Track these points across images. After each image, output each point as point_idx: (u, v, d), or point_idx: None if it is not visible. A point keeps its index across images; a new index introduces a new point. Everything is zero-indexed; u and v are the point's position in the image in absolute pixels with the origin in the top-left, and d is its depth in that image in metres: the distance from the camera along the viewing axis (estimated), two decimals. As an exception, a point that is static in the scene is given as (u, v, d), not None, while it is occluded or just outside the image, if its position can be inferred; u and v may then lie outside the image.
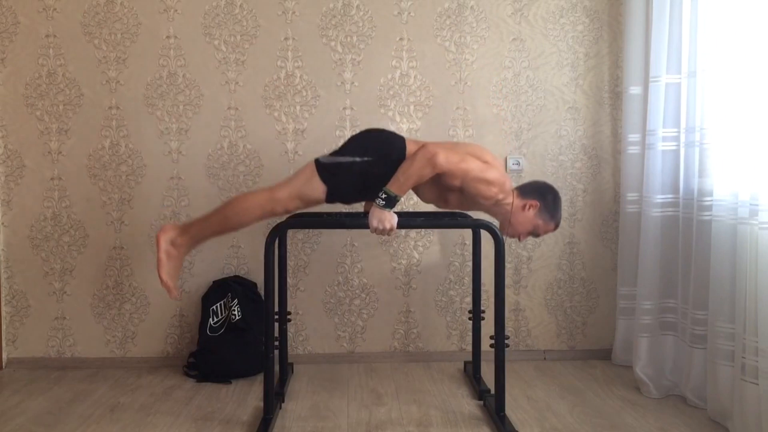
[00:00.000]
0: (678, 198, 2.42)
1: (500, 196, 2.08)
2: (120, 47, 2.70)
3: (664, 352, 2.47)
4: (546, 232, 2.17)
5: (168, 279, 2.08)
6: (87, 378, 2.59)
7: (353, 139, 2.16)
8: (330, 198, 2.10)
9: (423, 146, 2.02)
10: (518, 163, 2.80)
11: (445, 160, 1.98)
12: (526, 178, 2.80)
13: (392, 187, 1.99)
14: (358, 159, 2.07)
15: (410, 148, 2.11)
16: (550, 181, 2.81)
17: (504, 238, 2.07)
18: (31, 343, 2.75)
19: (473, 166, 2.02)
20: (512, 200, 2.12)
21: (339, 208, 2.74)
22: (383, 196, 1.98)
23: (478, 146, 2.20)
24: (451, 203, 2.17)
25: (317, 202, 2.12)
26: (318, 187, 2.07)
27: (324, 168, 2.07)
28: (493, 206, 2.12)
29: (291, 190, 2.08)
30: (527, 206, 2.11)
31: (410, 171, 1.99)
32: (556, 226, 2.18)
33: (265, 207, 2.08)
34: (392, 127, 2.76)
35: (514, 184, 2.80)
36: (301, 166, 2.71)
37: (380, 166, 2.06)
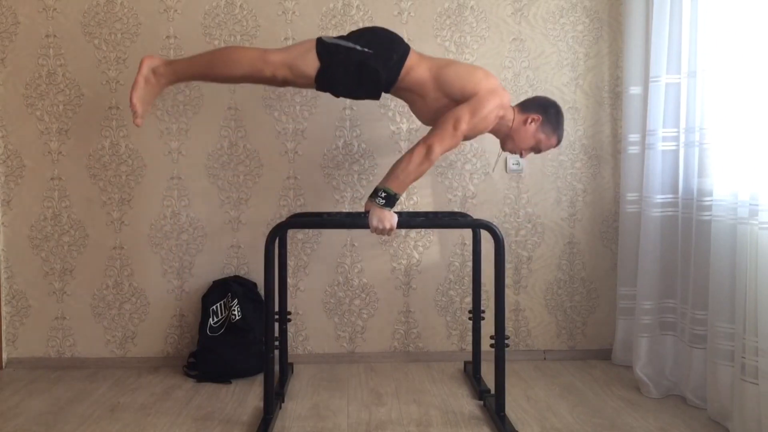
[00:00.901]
0: (678, 198, 2.42)
1: (501, 113, 2.08)
2: (120, 47, 2.70)
3: (664, 352, 2.47)
4: (548, 147, 2.16)
5: (138, 103, 2.04)
6: (87, 378, 2.59)
7: (362, 30, 2.16)
8: (320, 78, 2.06)
9: (419, 143, 2.02)
10: (518, 163, 2.80)
11: (440, 147, 2.00)
12: (527, 178, 2.81)
13: (392, 185, 1.99)
14: (359, 47, 2.05)
15: (412, 58, 2.10)
16: (550, 180, 2.81)
17: (504, 237, 2.07)
18: (31, 343, 2.75)
19: (467, 121, 2.02)
20: (513, 116, 2.11)
21: (340, 203, 2.75)
22: (383, 195, 1.98)
23: (473, 69, 2.17)
24: None
25: (306, 79, 2.07)
26: (311, 63, 2.04)
27: (324, 46, 2.05)
28: (495, 125, 2.13)
29: (285, 57, 2.05)
30: (529, 120, 2.11)
31: (409, 169, 1.99)
32: (559, 141, 2.17)
33: (254, 64, 2.04)
34: (392, 128, 2.76)
35: (515, 184, 2.82)
36: (304, 164, 2.72)
37: (378, 61, 2.04)
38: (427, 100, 2.14)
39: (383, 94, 2.18)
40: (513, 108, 2.14)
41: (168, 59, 2.15)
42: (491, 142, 2.80)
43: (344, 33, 2.72)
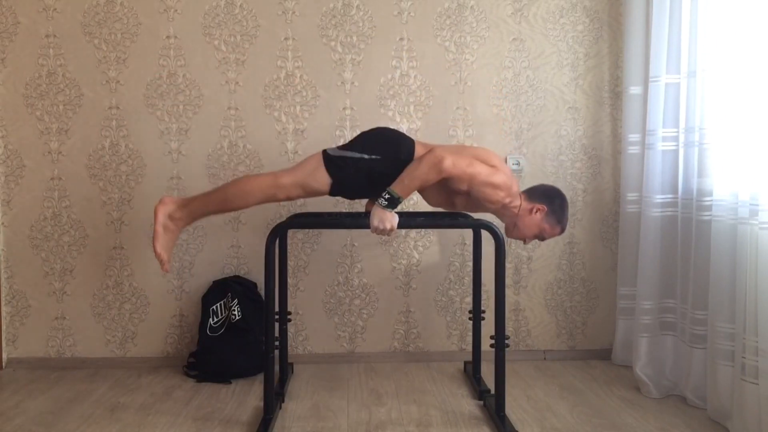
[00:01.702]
0: (678, 198, 2.42)
1: (507, 200, 2.08)
2: (120, 47, 2.70)
3: (664, 352, 2.47)
4: (552, 236, 2.18)
5: (162, 252, 2.08)
6: (87, 378, 2.59)
7: (364, 135, 2.16)
8: (333, 191, 2.10)
9: (431, 150, 2.02)
10: (518, 163, 2.81)
11: (451, 164, 1.98)
12: (527, 178, 2.81)
13: (396, 188, 1.99)
14: (366, 156, 2.07)
15: (419, 150, 2.12)
16: (550, 181, 2.81)
17: (504, 237, 2.07)
18: (31, 343, 2.75)
19: (480, 170, 2.02)
20: (519, 203, 2.12)
21: (340, 203, 2.75)
22: (386, 196, 1.98)
23: (485, 149, 2.19)
24: (458, 207, 2.17)
25: (320, 194, 2.11)
26: (323, 179, 2.07)
27: (331, 161, 2.07)
28: (500, 209, 2.13)
29: (295, 178, 2.08)
30: (534, 210, 2.12)
31: (416, 174, 1.99)
32: (562, 230, 2.18)
33: (267, 191, 2.07)
34: (392, 127, 2.76)
35: (516, 183, 2.81)
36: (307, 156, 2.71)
37: (387, 165, 2.06)
38: (434, 190, 2.15)
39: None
40: (520, 195, 2.14)
41: (181, 199, 2.14)
42: (491, 143, 2.80)
43: (344, 33, 2.75)
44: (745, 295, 1.96)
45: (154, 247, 2.07)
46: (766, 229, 1.89)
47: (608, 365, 2.77)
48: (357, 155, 2.08)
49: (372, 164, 2.07)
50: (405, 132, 2.75)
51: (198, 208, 2.13)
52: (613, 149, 2.85)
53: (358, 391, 2.45)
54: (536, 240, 2.24)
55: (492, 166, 2.07)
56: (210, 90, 2.72)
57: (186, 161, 2.74)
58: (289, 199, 2.11)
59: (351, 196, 2.18)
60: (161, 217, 2.09)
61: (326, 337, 2.82)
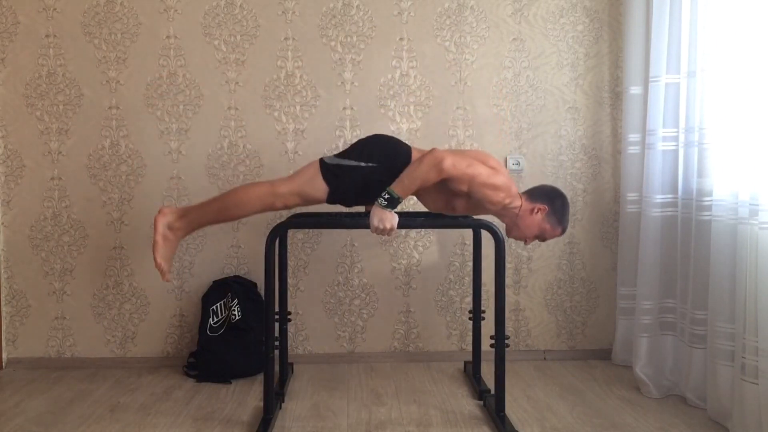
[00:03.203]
0: (678, 198, 2.42)
1: (507, 201, 2.08)
2: (120, 47, 2.70)
3: (664, 352, 2.47)
4: (552, 236, 2.18)
5: (162, 262, 2.09)
6: (87, 378, 2.59)
7: (360, 143, 2.17)
8: (331, 199, 2.12)
9: (431, 150, 2.03)
10: (518, 163, 2.81)
11: (451, 165, 1.98)
12: (527, 178, 2.81)
13: (396, 188, 1.99)
14: (362, 164, 2.08)
15: (415, 157, 2.12)
16: (550, 181, 2.81)
17: (505, 237, 2.07)
18: (31, 343, 2.75)
19: (481, 171, 2.02)
20: (520, 203, 2.12)
21: (339, 208, 2.75)
22: (386, 196, 1.98)
23: (483, 152, 2.20)
24: (459, 209, 2.17)
25: (317, 202, 2.12)
26: (320, 187, 2.08)
27: (328, 169, 2.08)
28: (501, 210, 2.12)
29: (292, 187, 2.09)
30: (535, 210, 2.11)
31: (416, 174, 1.99)
32: (563, 231, 2.18)
33: (264, 200, 2.09)
34: (392, 128, 2.76)
35: (515, 184, 2.81)
36: (304, 164, 2.72)
37: (384, 173, 2.07)
38: (433, 194, 2.16)
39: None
40: (520, 196, 2.14)
41: (180, 209, 2.16)
42: (491, 143, 2.80)
43: (344, 33, 2.75)
44: (745, 295, 1.96)
45: (154, 257, 2.09)
46: (766, 229, 1.89)
47: (608, 365, 2.77)
48: (354, 163, 2.09)
49: (369, 172, 2.08)
50: (404, 132, 2.76)
51: (196, 218, 2.14)
52: (613, 149, 2.85)
53: (358, 391, 2.45)
54: (537, 240, 2.24)
55: (491, 167, 2.07)
56: (210, 90, 2.72)
57: (186, 161, 2.74)
58: (286, 207, 2.13)
59: (348, 203, 2.19)
60: (161, 227, 2.10)
61: (326, 337, 2.82)
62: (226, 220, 2.22)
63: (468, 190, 2.04)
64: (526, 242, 2.20)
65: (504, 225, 2.22)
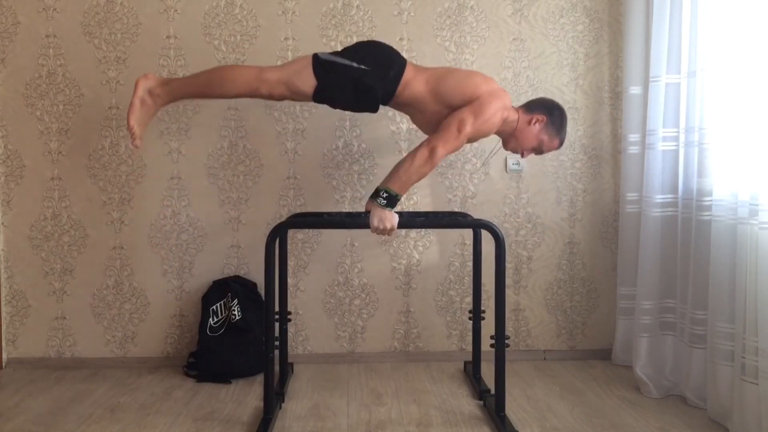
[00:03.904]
0: (678, 198, 2.42)
1: (504, 115, 2.08)
2: (120, 47, 2.70)
3: (664, 352, 2.47)
4: (550, 149, 2.17)
5: (135, 125, 2.06)
6: (87, 378, 2.59)
7: (358, 44, 2.16)
8: (317, 95, 2.08)
9: (422, 144, 2.02)
10: (518, 163, 2.80)
11: (443, 149, 2.00)
12: (527, 179, 2.81)
13: (393, 186, 1.99)
14: (355, 64, 2.06)
15: (409, 72, 2.11)
16: (550, 180, 2.81)
17: (504, 236, 2.07)
18: (31, 343, 2.75)
19: (470, 124, 2.02)
20: (517, 116, 2.12)
21: (340, 203, 2.75)
22: (384, 195, 1.98)
23: (473, 74, 2.18)
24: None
25: (304, 96, 2.09)
26: (308, 80, 2.05)
27: (320, 63, 2.06)
28: (500, 126, 2.14)
29: (281, 75, 2.06)
30: (533, 120, 2.11)
31: (411, 170, 1.99)
32: (561, 142, 2.17)
33: (251, 83, 2.06)
34: (392, 127, 2.76)
35: (515, 184, 2.82)
36: (304, 164, 2.72)
37: (374, 78, 2.05)
38: (426, 113, 2.15)
39: (381, 106, 2.19)
40: (516, 109, 2.14)
41: (163, 78, 2.15)
42: (491, 143, 2.80)
43: (344, 33, 2.75)
44: (745, 295, 1.96)
45: (128, 119, 2.05)
46: (766, 229, 1.89)
47: (608, 365, 2.77)
48: (347, 62, 2.06)
49: (360, 74, 2.05)
50: (404, 132, 2.76)
51: (179, 87, 2.11)
52: (613, 149, 2.85)
53: (358, 391, 2.45)
54: (535, 154, 2.23)
55: (478, 96, 2.06)
56: (210, 90, 2.72)
57: (186, 161, 2.74)
58: (270, 96, 2.09)
59: (334, 103, 2.14)
60: (140, 90, 2.07)
61: (326, 337, 2.82)
62: (208, 96, 2.18)
63: (472, 139, 2.07)
64: (523, 154, 2.19)
65: (501, 140, 2.23)
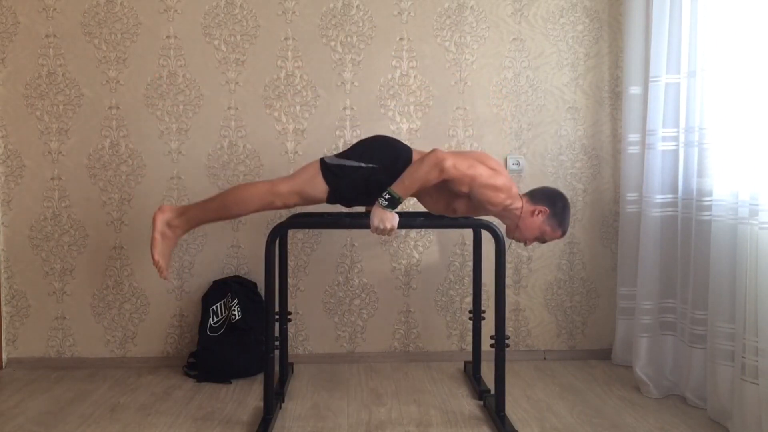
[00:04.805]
0: (677, 198, 2.42)
1: (508, 202, 2.08)
2: (120, 47, 2.70)
3: (664, 352, 2.47)
4: (553, 238, 2.17)
5: (160, 259, 2.10)
6: (87, 378, 2.59)
7: (361, 143, 2.17)
8: (331, 199, 2.12)
9: (432, 151, 2.02)
10: (518, 163, 2.80)
11: (452, 165, 1.98)
12: (527, 178, 2.81)
13: (397, 188, 1.99)
14: (363, 165, 2.09)
15: (416, 159, 2.12)
16: (550, 180, 2.81)
17: (505, 237, 2.07)
18: (31, 343, 2.75)
19: (482, 172, 2.02)
20: (521, 205, 2.12)
21: (339, 208, 2.75)
22: (387, 196, 1.98)
23: (483, 153, 2.20)
24: (459, 211, 2.16)
25: (317, 202, 2.13)
26: (320, 187, 2.09)
27: (328, 169, 2.09)
28: (502, 212, 2.12)
29: (293, 186, 2.09)
30: (536, 212, 2.11)
31: (417, 174, 1.98)
32: (563, 233, 2.17)
33: (264, 199, 2.09)
34: (392, 127, 2.76)
35: (515, 185, 2.81)
36: (304, 164, 2.72)
37: (384, 174, 2.07)
38: (433, 195, 2.15)
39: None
40: (521, 197, 2.14)
41: (179, 207, 2.16)
42: (491, 143, 2.80)
43: (344, 33, 2.75)
44: (745, 295, 1.96)
45: (152, 254, 2.09)
46: (766, 229, 1.89)
47: (608, 365, 2.77)
48: (354, 164, 2.09)
49: (369, 173, 2.08)
50: (404, 132, 2.76)
51: (195, 215, 2.15)
52: (613, 149, 2.85)
53: (358, 391, 2.45)
54: (538, 242, 2.24)
55: (491, 168, 2.07)
56: (210, 90, 2.72)
57: (186, 161, 2.74)
58: (286, 206, 2.14)
59: (349, 203, 2.19)
60: (159, 224, 2.11)
61: (326, 337, 2.82)
62: (225, 219, 2.23)
63: (469, 191, 2.04)
64: (526, 243, 2.20)
65: (504, 226, 2.22)
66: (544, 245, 2.84)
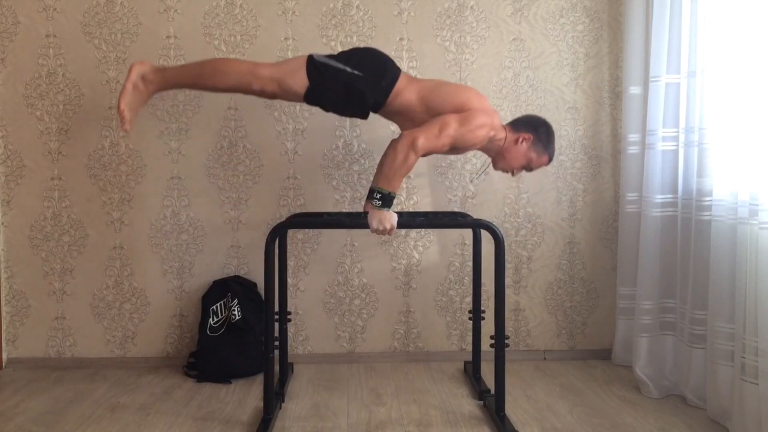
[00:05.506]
0: (677, 198, 2.42)
1: (492, 134, 2.09)
2: (120, 47, 2.70)
3: (664, 352, 2.47)
4: (539, 165, 2.17)
5: (126, 109, 2.07)
6: (87, 378, 2.59)
7: (354, 50, 2.17)
8: (308, 95, 2.08)
9: (401, 136, 2.01)
10: (518, 163, 2.80)
11: (424, 141, 1.98)
12: (527, 178, 2.81)
13: (382, 184, 1.98)
14: (349, 69, 2.06)
15: (401, 82, 2.11)
16: (550, 180, 2.82)
17: (504, 237, 2.07)
18: (31, 343, 2.75)
19: (454, 129, 2.01)
20: (504, 135, 2.12)
21: (340, 203, 2.75)
22: (378, 196, 1.98)
23: (462, 87, 2.19)
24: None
25: (295, 96, 2.09)
26: (301, 80, 2.06)
27: (314, 65, 2.06)
28: (486, 144, 2.12)
29: (274, 72, 2.07)
30: (520, 139, 2.12)
31: (395, 164, 1.98)
32: (550, 159, 2.18)
33: (243, 77, 2.06)
34: (392, 128, 2.76)
35: (515, 184, 2.82)
36: (304, 164, 2.72)
37: (367, 84, 2.05)
38: (415, 122, 2.14)
39: (372, 114, 2.20)
40: (504, 127, 2.14)
41: (158, 66, 2.15)
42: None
43: (344, 33, 2.75)
44: (745, 295, 1.96)
45: (118, 102, 2.06)
46: (766, 229, 1.89)
47: (608, 365, 2.77)
48: (341, 66, 2.06)
49: (353, 79, 2.05)
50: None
51: (172, 76, 2.13)
52: (613, 149, 2.85)
53: (358, 391, 2.45)
54: (525, 171, 2.23)
55: (466, 106, 2.06)
56: (210, 90, 2.72)
57: (186, 161, 2.74)
58: (262, 93, 2.09)
59: (325, 105, 2.15)
60: (134, 75, 2.09)
61: (326, 337, 2.82)
62: (200, 87, 2.19)
63: (454, 146, 2.05)
64: (513, 173, 2.19)
65: (490, 158, 2.22)
66: (544, 245, 2.84)
